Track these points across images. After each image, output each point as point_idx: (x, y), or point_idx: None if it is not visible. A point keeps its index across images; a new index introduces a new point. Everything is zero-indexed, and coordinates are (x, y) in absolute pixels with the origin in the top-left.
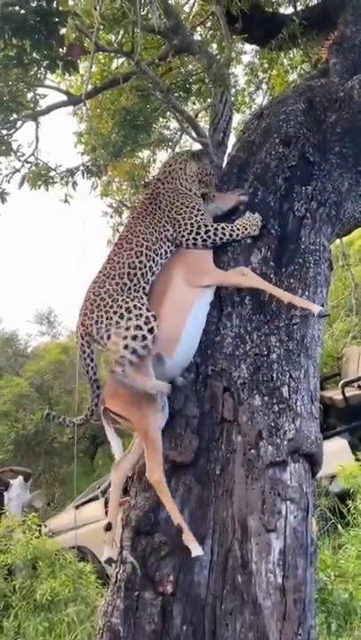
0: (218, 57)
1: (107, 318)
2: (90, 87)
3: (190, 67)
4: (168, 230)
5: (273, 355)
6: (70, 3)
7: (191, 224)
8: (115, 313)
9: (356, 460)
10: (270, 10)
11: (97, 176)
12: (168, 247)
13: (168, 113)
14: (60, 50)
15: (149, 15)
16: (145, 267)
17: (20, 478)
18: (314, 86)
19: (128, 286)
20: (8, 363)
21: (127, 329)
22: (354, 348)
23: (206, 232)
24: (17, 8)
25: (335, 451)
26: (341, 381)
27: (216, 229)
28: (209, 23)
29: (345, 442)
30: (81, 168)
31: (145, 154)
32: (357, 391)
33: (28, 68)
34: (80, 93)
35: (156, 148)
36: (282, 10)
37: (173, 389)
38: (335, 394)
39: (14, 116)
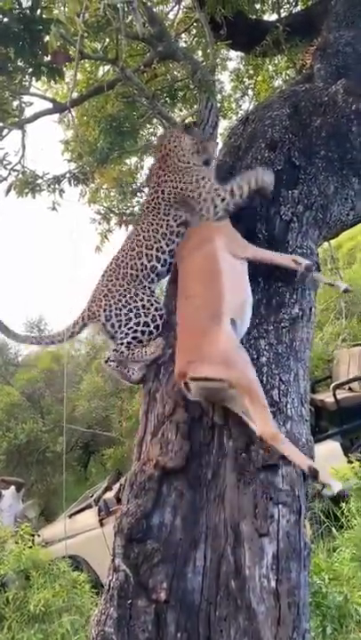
0: (203, 63)
1: (116, 309)
2: (75, 94)
3: (176, 73)
4: (180, 217)
5: (262, 358)
6: (55, 11)
7: (205, 199)
8: (127, 308)
9: (349, 462)
10: (254, 17)
11: (84, 183)
12: (178, 235)
13: (154, 119)
14: (45, 57)
15: (133, 22)
16: (154, 260)
17: (13, 488)
18: (299, 91)
19: (139, 279)
20: None
21: (136, 330)
22: (344, 350)
23: (222, 200)
24: (0, 16)
25: (328, 454)
26: (332, 384)
27: (231, 192)
28: (194, 30)
29: (337, 444)
30: (68, 175)
31: (132, 160)
32: (349, 393)
33: (13, 75)
34: (66, 101)
35: (143, 154)
36: (266, 17)
37: None
38: (327, 396)
39: (0, 124)
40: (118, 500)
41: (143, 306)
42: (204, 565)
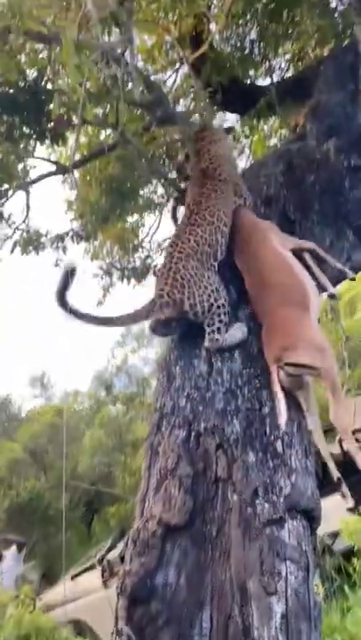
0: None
1: (199, 295)
2: (78, 156)
3: (175, 135)
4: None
5: (265, 408)
6: (59, 81)
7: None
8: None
9: (359, 515)
10: (248, 82)
11: (87, 240)
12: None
13: (154, 179)
14: (49, 124)
15: (133, 89)
16: (219, 243)
17: (14, 549)
18: (292, 149)
19: (211, 257)
20: (2, 427)
21: (219, 313)
22: (350, 400)
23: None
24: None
25: (337, 507)
26: (339, 435)
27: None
28: (191, 95)
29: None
30: (70, 233)
31: (133, 217)
32: (356, 444)
33: (18, 141)
34: (68, 163)
35: (143, 212)
36: (259, 82)
37: None
38: (334, 448)
39: (5, 186)
40: (123, 560)
41: (217, 289)
42: (210, 627)
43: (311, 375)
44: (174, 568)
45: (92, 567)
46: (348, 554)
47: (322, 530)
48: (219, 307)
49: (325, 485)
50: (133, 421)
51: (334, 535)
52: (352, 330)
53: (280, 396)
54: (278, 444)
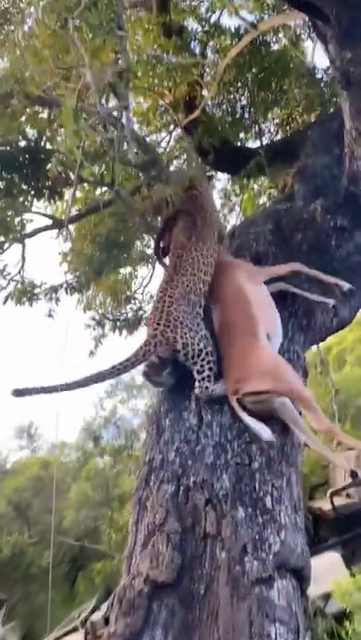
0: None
1: (190, 337)
2: (74, 211)
3: (168, 192)
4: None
5: (255, 463)
6: (58, 138)
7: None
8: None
9: (352, 575)
10: (238, 144)
11: (80, 292)
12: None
13: (147, 235)
14: (47, 182)
15: (128, 151)
16: (202, 292)
17: None
18: (280, 209)
19: (197, 304)
20: None
21: (208, 360)
22: (340, 454)
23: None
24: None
25: (328, 567)
26: (329, 490)
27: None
28: (184, 155)
29: (338, 556)
30: (64, 285)
31: (126, 270)
32: (346, 500)
33: (17, 196)
34: (64, 218)
35: (136, 264)
36: (249, 144)
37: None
38: (325, 504)
39: (1, 239)
40: (107, 622)
41: (205, 335)
42: None
43: (272, 396)
44: (161, 629)
45: (74, 629)
46: (341, 617)
47: (313, 591)
48: (207, 353)
49: (316, 543)
50: (121, 475)
51: (326, 597)
52: (341, 383)
53: (248, 419)
54: (268, 500)
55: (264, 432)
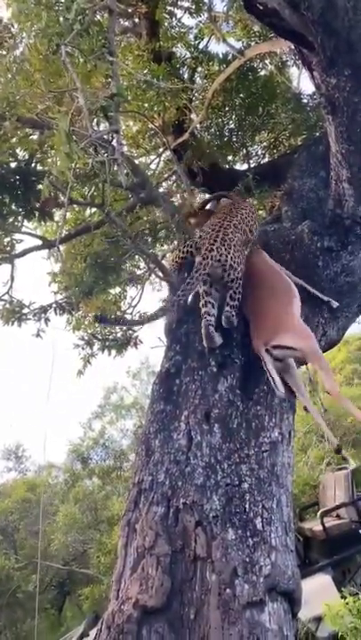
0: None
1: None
2: (64, 232)
3: (157, 214)
4: None
5: (244, 484)
6: (49, 159)
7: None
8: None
9: (342, 597)
10: (227, 166)
11: (69, 312)
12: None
13: (136, 256)
14: (37, 203)
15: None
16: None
17: None
18: (268, 231)
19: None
20: None
21: (239, 290)
22: (330, 474)
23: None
24: None
25: (319, 589)
26: (319, 511)
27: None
28: (174, 177)
29: (329, 578)
30: (54, 305)
31: (116, 290)
32: (337, 521)
33: (7, 217)
34: (54, 238)
35: (125, 285)
36: (237, 166)
37: None
38: (315, 525)
39: None
40: None
41: (243, 269)
42: None
43: (296, 354)
44: None
45: None
46: None
47: (304, 614)
48: (239, 285)
49: (307, 565)
50: (110, 497)
51: (317, 620)
52: (330, 403)
53: (274, 373)
54: (258, 521)
55: (280, 386)
